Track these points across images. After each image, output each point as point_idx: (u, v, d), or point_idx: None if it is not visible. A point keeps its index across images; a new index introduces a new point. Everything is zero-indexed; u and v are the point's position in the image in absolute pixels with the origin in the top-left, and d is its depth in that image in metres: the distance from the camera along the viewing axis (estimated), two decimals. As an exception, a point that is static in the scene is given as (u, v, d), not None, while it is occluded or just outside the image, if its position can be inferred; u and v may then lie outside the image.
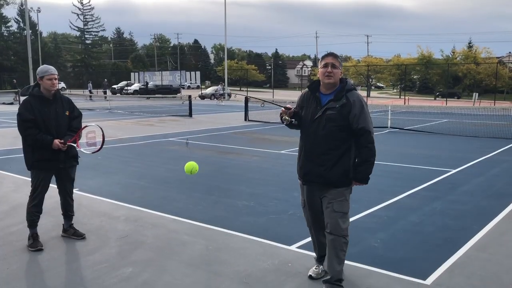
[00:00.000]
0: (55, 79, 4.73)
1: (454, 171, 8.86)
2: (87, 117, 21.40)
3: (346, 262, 4.39)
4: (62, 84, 65.13)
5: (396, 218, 5.87)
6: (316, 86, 3.90)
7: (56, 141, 4.64)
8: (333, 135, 3.73)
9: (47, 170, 4.78)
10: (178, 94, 44.20)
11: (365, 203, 6.48)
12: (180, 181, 7.99)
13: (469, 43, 66.29)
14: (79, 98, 41.53)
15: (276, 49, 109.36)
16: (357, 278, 4.10)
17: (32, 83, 5.15)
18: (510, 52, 68.20)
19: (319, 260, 4.21)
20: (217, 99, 39.88)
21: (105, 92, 44.05)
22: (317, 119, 3.77)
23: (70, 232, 5.09)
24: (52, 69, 4.80)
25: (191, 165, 4.77)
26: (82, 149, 4.90)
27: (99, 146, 4.94)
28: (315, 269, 4.18)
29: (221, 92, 41.91)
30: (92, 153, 5.05)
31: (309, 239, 4.54)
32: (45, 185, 4.80)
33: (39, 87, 4.75)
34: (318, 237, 4.12)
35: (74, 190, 7.14)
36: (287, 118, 3.88)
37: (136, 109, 28.04)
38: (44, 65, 4.88)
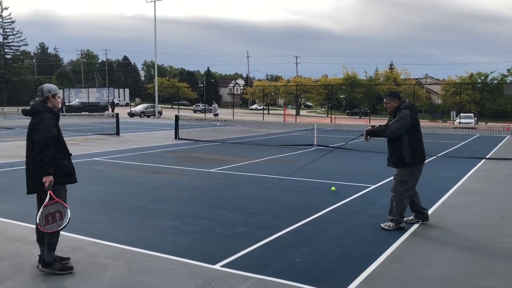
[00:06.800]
0: None
1: (373, 186, 9.35)
2: (5, 136, 20.18)
3: (268, 278, 4.51)
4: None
5: (318, 233, 6.08)
6: None
7: (51, 179, 4.47)
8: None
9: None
10: (105, 112, 42.96)
11: (288, 219, 6.66)
12: (103, 202, 7.75)
13: (391, 65, 70.70)
14: (-3, 116, 39.06)
15: (208, 67, 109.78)
16: (278, 294, 4.19)
17: None
18: (426, 74, 73.48)
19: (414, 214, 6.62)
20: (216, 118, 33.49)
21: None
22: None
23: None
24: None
25: None
26: (42, 209, 4.50)
27: (42, 228, 4.49)
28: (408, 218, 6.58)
29: (217, 111, 35.87)
30: (37, 222, 4.52)
31: (234, 257, 5.05)
32: None
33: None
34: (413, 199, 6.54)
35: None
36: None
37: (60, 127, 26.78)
38: (50, 84, 4.89)
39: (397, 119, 6.18)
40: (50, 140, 4.50)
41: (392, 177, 6.56)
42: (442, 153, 15.72)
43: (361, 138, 6.99)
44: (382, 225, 6.31)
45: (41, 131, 4.48)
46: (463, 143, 20.14)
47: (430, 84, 66.59)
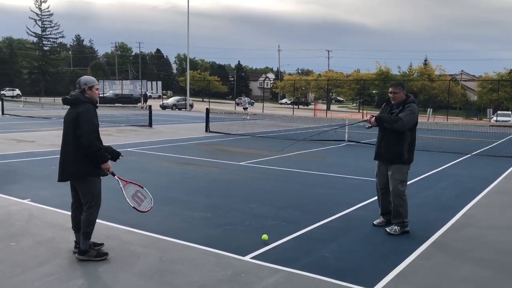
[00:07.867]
0: None
1: (405, 183, 9.19)
2: (42, 125, 20.84)
3: (297, 272, 4.53)
4: (17, 91, 63.11)
5: (348, 229, 6.06)
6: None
7: (109, 165, 4.76)
8: None
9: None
10: (138, 104, 43.69)
11: (318, 214, 6.65)
12: (136, 192, 7.91)
13: (425, 60, 69.06)
14: (35, 106, 40.33)
15: (239, 61, 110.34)
16: (307, 288, 4.21)
17: None
18: (462, 70, 71.53)
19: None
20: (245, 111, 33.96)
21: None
22: None
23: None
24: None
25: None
26: (124, 192, 4.91)
27: (140, 209, 4.94)
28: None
29: (246, 105, 36.60)
30: (132, 207, 4.92)
31: (264, 249, 5.07)
32: None
33: None
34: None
35: (26, 201, 7.01)
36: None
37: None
38: (88, 76, 5.03)
39: (409, 112, 5.79)
40: (95, 131, 4.65)
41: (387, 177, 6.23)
42: (477, 151, 15.31)
43: (361, 124, 6.79)
44: (387, 229, 5.94)
45: (87, 122, 4.61)
46: (500, 141, 19.55)
47: (466, 81, 64.77)
